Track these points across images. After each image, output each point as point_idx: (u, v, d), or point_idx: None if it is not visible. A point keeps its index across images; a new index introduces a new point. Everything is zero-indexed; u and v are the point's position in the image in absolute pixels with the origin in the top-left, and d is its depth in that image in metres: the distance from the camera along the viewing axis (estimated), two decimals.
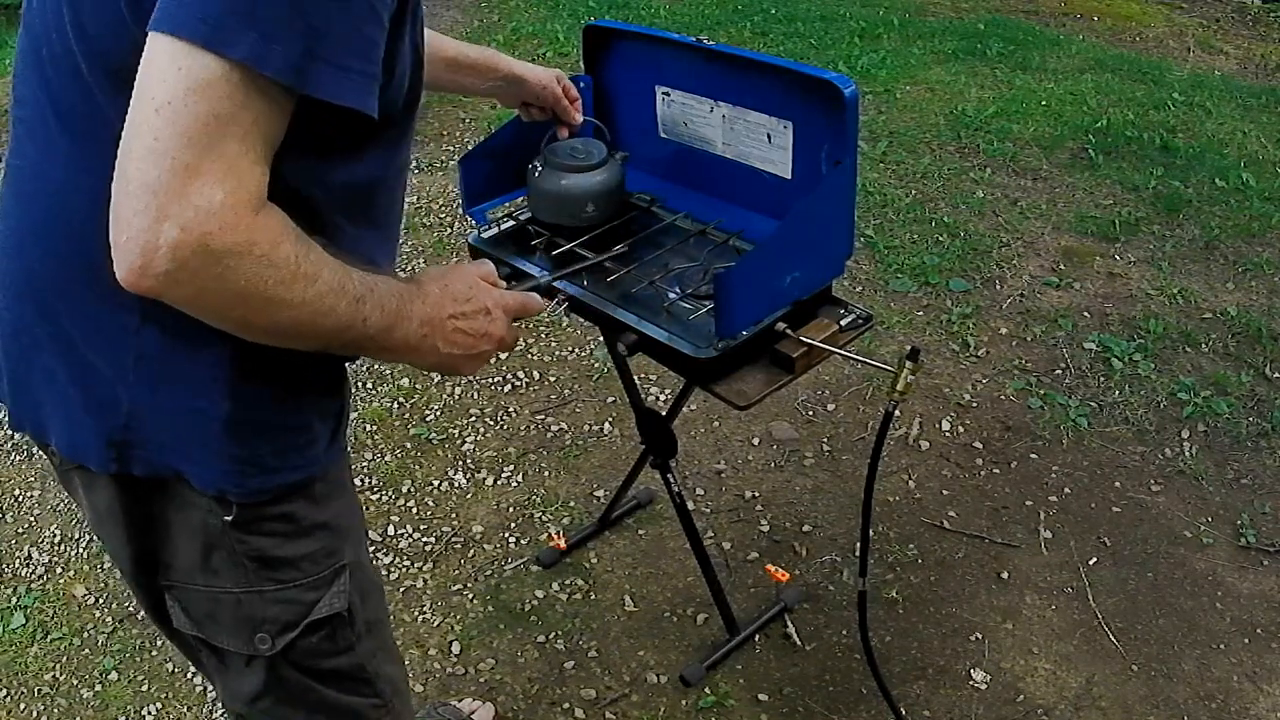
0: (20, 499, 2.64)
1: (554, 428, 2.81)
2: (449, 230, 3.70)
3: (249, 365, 1.06)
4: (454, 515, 2.55)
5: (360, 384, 2.96)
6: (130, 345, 1.07)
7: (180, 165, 0.87)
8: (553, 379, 2.99)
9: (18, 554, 2.49)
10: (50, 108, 1.04)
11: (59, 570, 2.44)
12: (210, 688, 2.08)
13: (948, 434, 2.77)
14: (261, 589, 1.19)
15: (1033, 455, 2.70)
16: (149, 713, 2.11)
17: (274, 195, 0.97)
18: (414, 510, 2.57)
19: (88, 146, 0.98)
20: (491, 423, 2.83)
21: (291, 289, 0.94)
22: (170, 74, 0.87)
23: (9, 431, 2.77)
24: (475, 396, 2.92)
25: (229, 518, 1.14)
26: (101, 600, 2.35)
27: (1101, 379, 2.95)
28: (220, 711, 2.08)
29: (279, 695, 1.26)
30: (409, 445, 2.75)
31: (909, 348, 1.47)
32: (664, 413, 2.06)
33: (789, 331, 1.54)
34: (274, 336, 0.99)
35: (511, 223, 1.82)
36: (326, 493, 1.22)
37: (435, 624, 2.27)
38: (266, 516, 1.16)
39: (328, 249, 0.99)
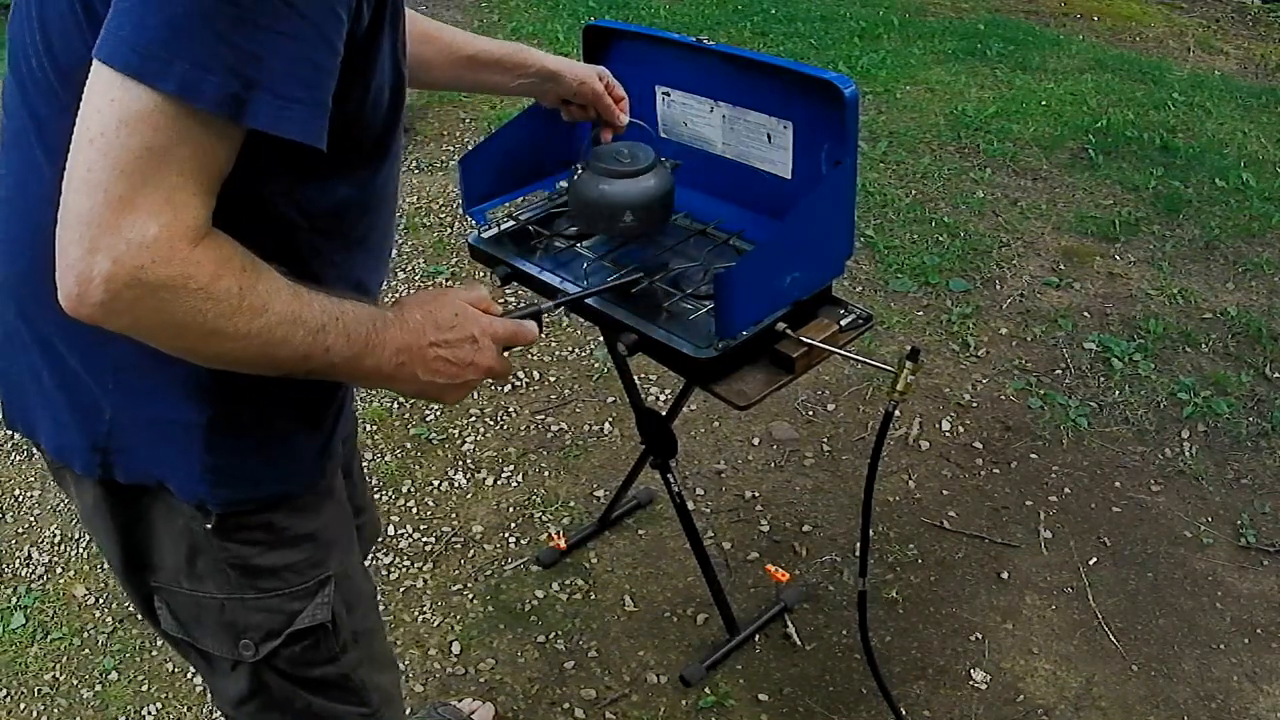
0: (20, 499, 2.64)
1: (554, 428, 2.81)
2: (449, 230, 3.70)
3: (227, 377, 1.03)
4: (454, 515, 2.55)
5: None
6: (108, 355, 1.06)
7: (113, 198, 0.85)
8: (553, 379, 2.99)
9: (18, 554, 2.49)
10: (30, 120, 1.03)
11: (59, 570, 2.44)
12: None
13: (948, 434, 2.77)
14: (243, 596, 1.19)
15: (1033, 455, 2.70)
16: (149, 713, 2.11)
17: (248, 218, 0.96)
18: (414, 510, 2.57)
19: (62, 161, 0.99)
20: (491, 423, 2.83)
21: (234, 321, 0.92)
22: (104, 105, 0.85)
23: (9, 431, 2.77)
24: (475, 396, 2.92)
25: (209, 525, 1.14)
26: (101, 600, 2.35)
27: (1101, 379, 2.95)
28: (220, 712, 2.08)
29: (264, 700, 1.26)
30: (409, 445, 2.75)
31: (909, 348, 1.47)
32: (664, 413, 2.06)
33: (789, 331, 1.54)
34: (225, 365, 0.97)
35: (512, 223, 1.82)
36: (314, 504, 1.21)
37: (435, 624, 2.27)
38: (247, 525, 1.16)
39: (291, 276, 0.97)
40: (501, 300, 3.27)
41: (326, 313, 0.99)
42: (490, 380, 1.20)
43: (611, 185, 1.60)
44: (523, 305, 1.27)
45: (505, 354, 1.19)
